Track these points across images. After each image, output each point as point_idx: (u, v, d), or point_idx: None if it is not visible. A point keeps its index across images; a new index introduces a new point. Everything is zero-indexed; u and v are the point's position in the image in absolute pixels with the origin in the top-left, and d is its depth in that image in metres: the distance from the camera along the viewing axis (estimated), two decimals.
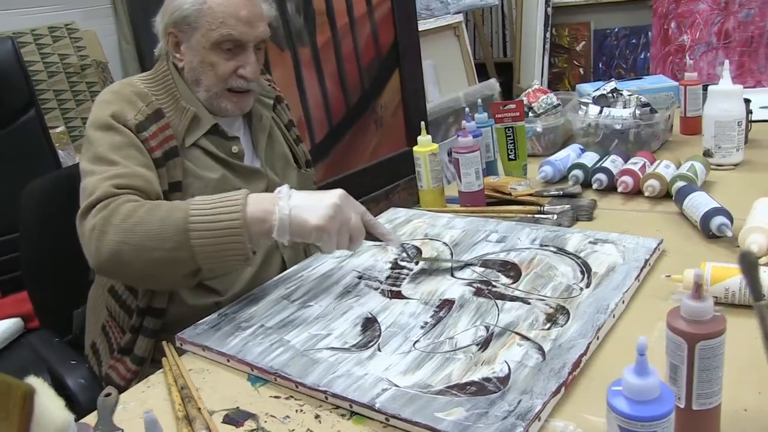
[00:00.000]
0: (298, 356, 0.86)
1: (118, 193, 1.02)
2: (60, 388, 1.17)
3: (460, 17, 3.21)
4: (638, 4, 3.07)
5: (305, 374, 0.82)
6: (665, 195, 1.25)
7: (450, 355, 0.82)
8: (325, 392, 0.78)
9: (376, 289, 1.03)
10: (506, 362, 0.79)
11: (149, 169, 1.08)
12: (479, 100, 1.57)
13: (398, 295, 1.00)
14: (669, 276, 0.92)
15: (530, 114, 1.64)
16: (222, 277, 1.16)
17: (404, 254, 1.12)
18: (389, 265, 1.11)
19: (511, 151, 1.42)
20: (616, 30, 3.13)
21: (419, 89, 2.72)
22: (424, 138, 1.37)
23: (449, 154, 3.47)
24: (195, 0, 1.13)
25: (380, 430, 0.73)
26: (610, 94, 1.60)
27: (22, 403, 0.47)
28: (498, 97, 3.31)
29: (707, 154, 1.37)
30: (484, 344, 0.84)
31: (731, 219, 1.04)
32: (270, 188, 1.20)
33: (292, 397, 0.81)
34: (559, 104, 1.64)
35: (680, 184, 1.20)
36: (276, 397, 0.82)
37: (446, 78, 3.30)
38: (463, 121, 1.44)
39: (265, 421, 0.77)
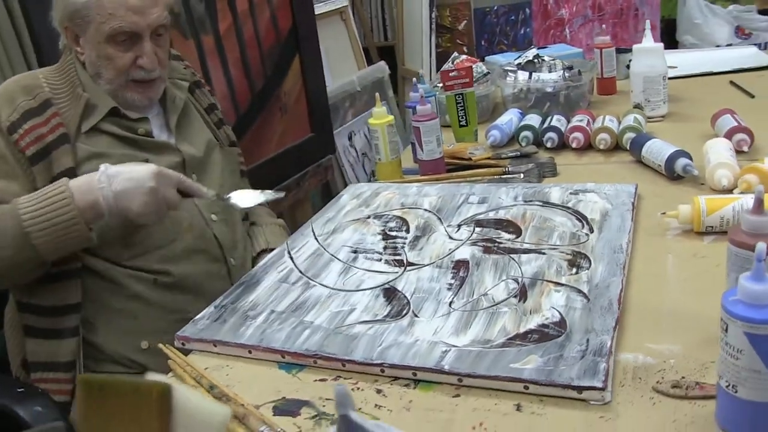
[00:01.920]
0: (331, 335, 0.81)
1: None
2: (11, 423, 1.02)
3: (345, 1, 3.18)
4: None
5: (349, 351, 0.77)
6: (615, 147, 1.32)
7: (493, 309, 0.81)
8: (381, 365, 0.75)
9: (379, 260, 1.00)
10: (553, 308, 0.79)
11: (9, 177, 1.04)
12: (420, 72, 1.56)
13: (404, 263, 0.97)
14: (664, 213, 0.97)
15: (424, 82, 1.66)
16: (152, 258, 1.09)
17: (222, 202, 1.08)
18: (380, 237, 1.08)
19: (462, 118, 1.44)
20: (495, 8, 3.26)
21: (319, 74, 2.67)
22: (379, 109, 1.34)
23: (350, 138, 3.42)
24: None
25: (452, 392, 0.71)
26: (535, 60, 1.67)
27: (159, 403, 0.39)
28: (388, 79, 3.34)
29: (638, 107, 1.46)
30: (521, 295, 0.84)
31: (692, 160, 1.12)
32: (188, 163, 1.17)
33: (339, 377, 0.76)
34: (489, 72, 1.68)
35: (631, 135, 1.27)
36: (322, 380, 0.76)
37: (336, 63, 3.27)
38: (411, 93, 1.43)
39: (324, 405, 0.72)
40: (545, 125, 1.41)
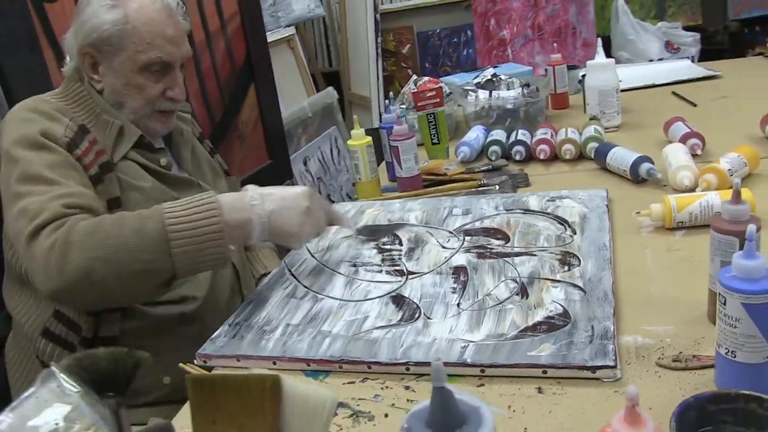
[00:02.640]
0: (352, 341, 0.86)
1: (68, 213, 0.96)
2: None
3: (292, 30, 3.25)
4: (454, 6, 3.38)
5: (373, 353, 0.82)
6: (579, 156, 1.43)
7: (499, 307, 0.88)
8: (406, 363, 0.80)
9: (379, 272, 1.05)
10: (555, 302, 0.87)
11: (89, 188, 1.03)
12: (390, 95, 1.64)
13: (404, 273, 1.03)
14: (638, 212, 1.07)
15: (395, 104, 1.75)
16: (177, 288, 1.10)
17: (360, 235, 1.19)
18: (375, 251, 1.13)
19: (434, 136, 1.52)
20: (437, 31, 3.40)
21: (274, 102, 2.72)
22: (357, 131, 1.40)
23: (305, 163, 3.44)
24: (116, 19, 1.07)
25: (476, 382, 0.77)
26: (494, 79, 1.77)
27: (271, 393, 0.43)
28: (337, 104, 3.42)
29: (595, 119, 1.58)
30: (522, 293, 0.91)
31: (653, 164, 1.23)
32: None
33: (367, 378, 0.81)
34: (451, 93, 1.77)
35: (594, 144, 1.38)
36: (350, 383, 0.81)
37: (286, 90, 3.32)
38: (384, 114, 1.50)
39: (358, 405, 0.76)
40: (512, 139, 1.50)
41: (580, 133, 1.47)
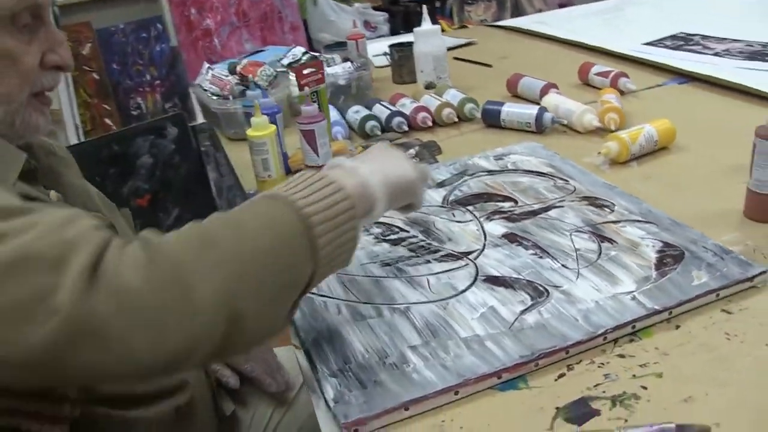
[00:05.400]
0: (518, 333, 0.76)
1: (107, 236, 0.56)
2: None
3: None
4: None
5: (562, 338, 0.74)
6: (459, 119, 1.46)
7: (605, 257, 0.88)
8: (603, 334, 0.74)
9: (427, 262, 0.93)
10: (644, 238, 0.90)
11: None
12: (250, 76, 1.39)
13: (454, 256, 0.93)
14: (599, 152, 1.16)
15: (255, 88, 1.55)
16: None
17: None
18: (387, 244, 0.99)
19: None
20: (121, 27, 2.95)
21: None
22: (259, 119, 1.18)
23: None
24: None
25: (670, 327, 0.76)
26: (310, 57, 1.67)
27: None
28: None
29: (430, 86, 1.62)
30: (607, 240, 0.92)
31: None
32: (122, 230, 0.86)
33: (569, 367, 0.73)
34: (277, 73, 1.60)
35: (473, 105, 1.44)
36: (560, 375, 0.72)
37: None
38: (260, 99, 1.29)
39: (604, 392, 0.68)
40: (390, 112, 1.44)
41: (440, 99, 1.50)
